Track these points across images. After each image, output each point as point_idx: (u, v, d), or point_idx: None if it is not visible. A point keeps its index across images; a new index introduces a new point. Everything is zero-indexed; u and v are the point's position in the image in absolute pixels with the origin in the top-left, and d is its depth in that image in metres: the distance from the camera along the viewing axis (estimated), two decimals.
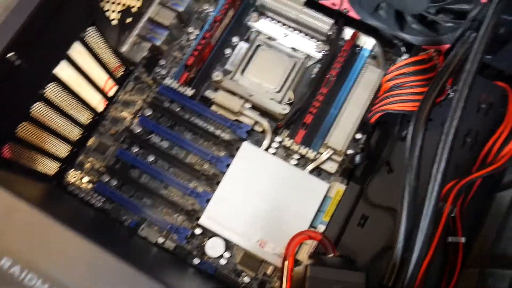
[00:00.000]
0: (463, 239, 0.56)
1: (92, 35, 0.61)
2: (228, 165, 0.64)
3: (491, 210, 0.58)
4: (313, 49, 0.70)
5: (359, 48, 0.69)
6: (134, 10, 0.70)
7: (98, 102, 0.70)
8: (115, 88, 0.71)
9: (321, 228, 0.61)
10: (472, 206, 0.59)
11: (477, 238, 0.57)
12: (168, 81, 0.68)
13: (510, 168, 0.58)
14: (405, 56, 0.68)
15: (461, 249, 0.57)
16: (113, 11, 0.67)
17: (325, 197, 0.62)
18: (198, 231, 0.63)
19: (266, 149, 0.66)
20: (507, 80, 0.65)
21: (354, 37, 0.69)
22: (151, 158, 0.67)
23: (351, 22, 0.69)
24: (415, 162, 0.46)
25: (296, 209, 0.62)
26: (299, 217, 0.61)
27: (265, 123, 0.66)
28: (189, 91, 0.68)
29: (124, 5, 0.68)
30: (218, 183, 0.64)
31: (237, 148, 0.65)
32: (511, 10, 0.54)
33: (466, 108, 0.48)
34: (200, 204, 0.64)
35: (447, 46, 0.62)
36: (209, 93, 0.68)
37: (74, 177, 0.68)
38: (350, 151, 0.64)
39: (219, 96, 0.67)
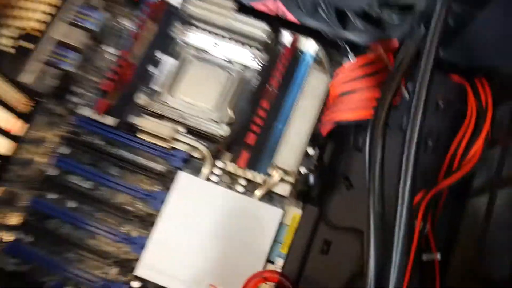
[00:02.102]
0: (438, 256, 0.52)
1: None
2: (163, 201, 0.57)
3: (465, 220, 0.54)
4: (249, 58, 0.65)
5: (300, 53, 0.65)
6: (36, 33, 0.62)
7: (3, 146, 0.61)
8: (25, 126, 0.63)
9: (279, 262, 0.55)
10: (443, 217, 0.54)
11: (454, 253, 0.53)
12: (84, 111, 0.61)
13: (479, 171, 0.54)
14: (352, 58, 0.65)
15: (438, 267, 0.52)
16: (9, 38, 0.59)
17: (281, 225, 0.56)
18: (135, 284, 0.55)
19: (207, 178, 0.59)
20: (463, 74, 0.62)
21: (294, 42, 0.64)
22: (72, 204, 0.58)
23: (289, 25, 0.65)
24: (377, 183, 0.41)
25: (248, 244, 0.55)
26: (253, 252, 0.55)
27: (203, 148, 0.60)
28: (111, 120, 0.60)
29: (23, 29, 0.61)
30: (153, 224, 0.56)
31: (173, 180, 0.58)
32: None
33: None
34: (135, 251, 0.56)
35: (396, 43, 0.59)
36: (134, 120, 0.61)
37: None
38: (303, 170, 0.59)
39: (146, 122, 0.60)
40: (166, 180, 0.59)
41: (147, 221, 0.57)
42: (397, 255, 0.39)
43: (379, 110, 0.47)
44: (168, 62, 0.65)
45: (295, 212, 0.56)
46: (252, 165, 0.58)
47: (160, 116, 0.61)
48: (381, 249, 0.41)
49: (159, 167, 0.60)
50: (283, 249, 0.55)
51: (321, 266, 0.55)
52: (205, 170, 0.59)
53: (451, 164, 0.55)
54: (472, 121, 0.56)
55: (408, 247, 0.41)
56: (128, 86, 0.63)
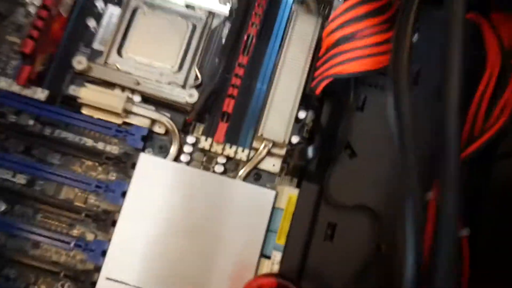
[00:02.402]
0: (466, 232, 0.44)
1: None
2: (124, 193, 0.46)
3: (491, 188, 0.46)
4: (216, 1, 0.52)
5: None
6: None
7: None
8: None
9: (276, 256, 0.45)
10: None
11: (481, 227, 0.45)
12: (3, 83, 0.47)
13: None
14: None
15: (466, 244, 0.44)
16: None
17: (274, 210, 0.46)
18: None
19: (176, 158, 0.48)
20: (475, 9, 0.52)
21: None
22: (1, 207, 0.46)
23: None
24: (411, 155, 0.31)
25: (236, 238, 0.44)
26: (243, 248, 0.44)
27: (166, 121, 0.48)
28: (41, 93, 0.46)
29: None
30: (114, 223, 0.45)
31: (133, 165, 0.46)
32: None
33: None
34: (94, 259, 0.44)
35: None
36: (74, 91, 0.47)
37: None
38: (295, 139, 0.48)
39: (90, 93, 0.47)
40: (124, 165, 0.47)
41: (106, 220, 0.45)
42: (445, 261, 0.30)
43: (400, 52, 0.36)
44: (112, 12, 0.51)
45: (290, 193, 0.46)
46: (231, 138, 0.47)
47: (108, 84, 0.48)
48: (420, 243, 0.32)
49: (113, 149, 0.48)
50: (280, 239, 0.45)
51: (327, 255, 0.45)
52: (173, 149, 0.47)
53: (473, 126, 0.46)
54: (495, 68, 0.47)
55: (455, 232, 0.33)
56: (61, 47, 0.49)
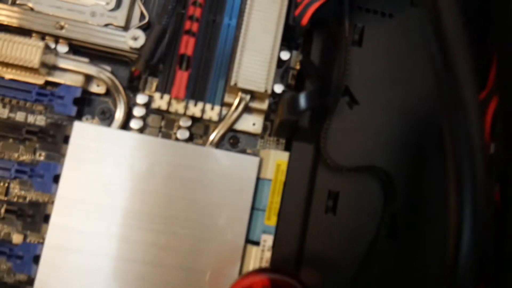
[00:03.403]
0: None
1: None
2: (56, 178, 0.35)
3: None
4: None
5: None
6: None
7: None
8: None
9: (266, 241, 0.35)
10: None
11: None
12: None
13: None
14: None
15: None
16: None
17: (259, 181, 0.36)
18: None
19: (124, 126, 0.37)
20: None
21: None
22: None
23: None
24: (473, 100, 0.21)
25: (212, 224, 0.34)
26: (223, 236, 0.34)
27: (105, 76, 0.36)
28: None
29: None
30: (47, 218, 0.34)
31: (66, 139, 0.35)
32: None
33: None
34: (23, 269, 0.34)
35: None
36: None
37: None
38: (278, 88, 0.38)
39: None
40: (54, 140, 0.35)
41: (35, 215, 0.35)
42: None
43: None
44: None
45: (278, 158, 0.36)
46: (196, 92, 0.36)
47: (19, 30, 0.36)
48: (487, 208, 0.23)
49: (36, 119, 0.36)
50: (270, 219, 0.35)
51: (330, 231, 0.36)
52: (118, 113, 0.36)
53: None
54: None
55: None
56: None
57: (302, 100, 0.34)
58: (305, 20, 0.36)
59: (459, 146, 0.20)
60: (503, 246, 0.26)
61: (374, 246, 0.37)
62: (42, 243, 0.33)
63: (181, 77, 0.35)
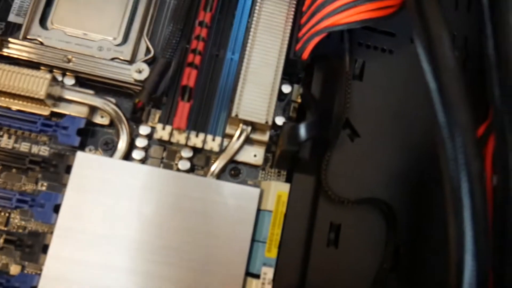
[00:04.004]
0: None
1: None
2: (57, 208, 0.35)
3: None
4: None
5: None
6: None
7: None
8: None
9: (267, 274, 0.35)
10: None
11: None
12: None
13: None
14: None
15: None
16: None
17: (259, 213, 0.36)
18: None
19: (127, 156, 0.37)
20: None
21: None
22: None
23: None
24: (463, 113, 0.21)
25: (211, 256, 0.34)
26: (221, 268, 0.34)
27: (110, 108, 0.37)
28: None
29: None
30: (46, 248, 0.34)
31: (68, 169, 0.36)
32: None
33: None
34: None
35: None
36: None
37: None
38: (279, 120, 0.39)
39: (3, 76, 0.35)
40: (56, 170, 0.36)
41: (34, 246, 0.35)
42: None
43: None
44: None
45: (279, 189, 0.36)
46: (197, 123, 0.37)
47: (29, 63, 0.37)
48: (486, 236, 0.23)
49: (40, 150, 0.37)
50: (271, 252, 0.35)
51: (332, 265, 0.36)
52: (121, 144, 0.37)
53: None
54: None
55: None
56: None
57: (303, 130, 0.34)
58: (305, 55, 0.38)
59: (454, 171, 0.20)
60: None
61: (377, 280, 0.37)
62: (40, 274, 0.33)
63: (183, 108, 0.36)
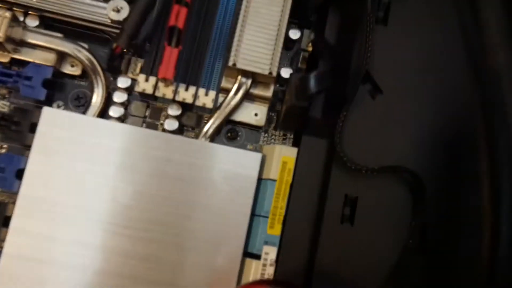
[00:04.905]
0: None
1: None
2: (20, 173, 0.30)
3: None
4: None
5: None
6: None
7: None
8: None
9: (269, 253, 0.30)
10: None
11: None
12: None
13: None
14: None
15: None
16: None
17: (261, 183, 0.31)
18: None
19: (102, 114, 0.32)
20: None
21: None
22: None
23: None
24: None
25: (204, 233, 0.30)
26: (216, 247, 0.29)
27: (82, 55, 0.32)
28: None
29: None
30: (7, 220, 0.30)
31: (33, 127, 0.31)
32: None
33: None
34: None
35: None
36: None
37: None
38: (286, 72, 0.33)
39: None
40: (18, 129, 0.31)
41: None
42: None
43: None
44: None
45: (284, 155, 0.31)
46: (187, 74, 0.32)
47: None
48: None
49: None
50: (274, 228, 0.31)
51: (346, 246, 0.31)
52: (96, 99, 0.32)
53: None
54: None
55: None
56: None
57: (313, 81, 0.29)
58: None
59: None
60: None
61: (400, 263, 0.32)
62: (0, 251, 0.29)
63: (170, 54, 0.31)
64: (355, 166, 0.31)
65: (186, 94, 0.32)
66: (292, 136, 0.35)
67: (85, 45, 0.33)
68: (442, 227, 0.32)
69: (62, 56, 0.32)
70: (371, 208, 0.32)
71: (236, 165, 0.31)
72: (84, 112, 0.32)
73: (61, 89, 0.33)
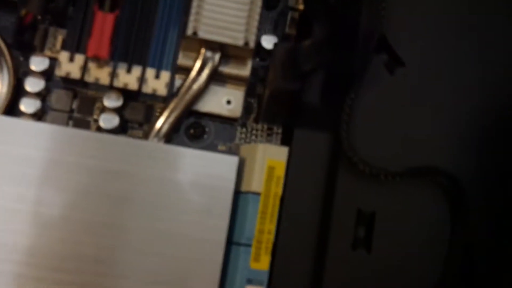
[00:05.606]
0: None
1: None
2: None
3: None
4: None
5: None
6: None
7: None
8: None
9: None
10: None
11: None
12: None
13: None
14: None
15: None
16: None
17: (239, 197, 0.24)
18: None
19: (11, 109, 0.24)
20: None
21: None
22: None
23: None
24: None
25: (159, 271, 0.22)
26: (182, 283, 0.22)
27: None
28: None
29: None
30: None
31: None
32: None
33: None
34: None
35: None
36: None
37: None
38: (268, 41, 0.26)
39: None
40: None
41: None
42: None
43: None
44: None
45: (271, 157, 0.24)
46: (129, 49, 0.24)
47: None
48: None
49: None
50: (260, 261, 0.23)
51: (362, 279, 0.24)
52: (2, 88, 0.25)
53: None
54: None
55: None
56: None
57: (306, 54, 0.21)
58: None
59: None
60: None
61: None
62: None
63: (103, 22, 0.23)
64: (369, 170, 0.24)
65: (128, 78, 0.24)
66: (280, 131, 0.27)
67: None
68: (492, 248, 0.26)
69: None
70: (394, 227, 0.25)
71: (203, 174, 0.23)
72: None
73: None
